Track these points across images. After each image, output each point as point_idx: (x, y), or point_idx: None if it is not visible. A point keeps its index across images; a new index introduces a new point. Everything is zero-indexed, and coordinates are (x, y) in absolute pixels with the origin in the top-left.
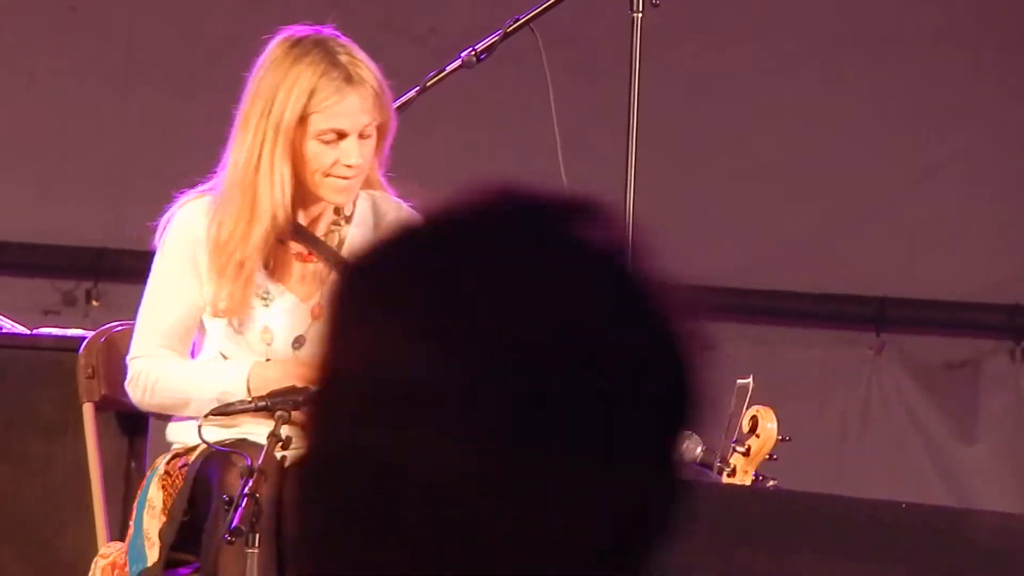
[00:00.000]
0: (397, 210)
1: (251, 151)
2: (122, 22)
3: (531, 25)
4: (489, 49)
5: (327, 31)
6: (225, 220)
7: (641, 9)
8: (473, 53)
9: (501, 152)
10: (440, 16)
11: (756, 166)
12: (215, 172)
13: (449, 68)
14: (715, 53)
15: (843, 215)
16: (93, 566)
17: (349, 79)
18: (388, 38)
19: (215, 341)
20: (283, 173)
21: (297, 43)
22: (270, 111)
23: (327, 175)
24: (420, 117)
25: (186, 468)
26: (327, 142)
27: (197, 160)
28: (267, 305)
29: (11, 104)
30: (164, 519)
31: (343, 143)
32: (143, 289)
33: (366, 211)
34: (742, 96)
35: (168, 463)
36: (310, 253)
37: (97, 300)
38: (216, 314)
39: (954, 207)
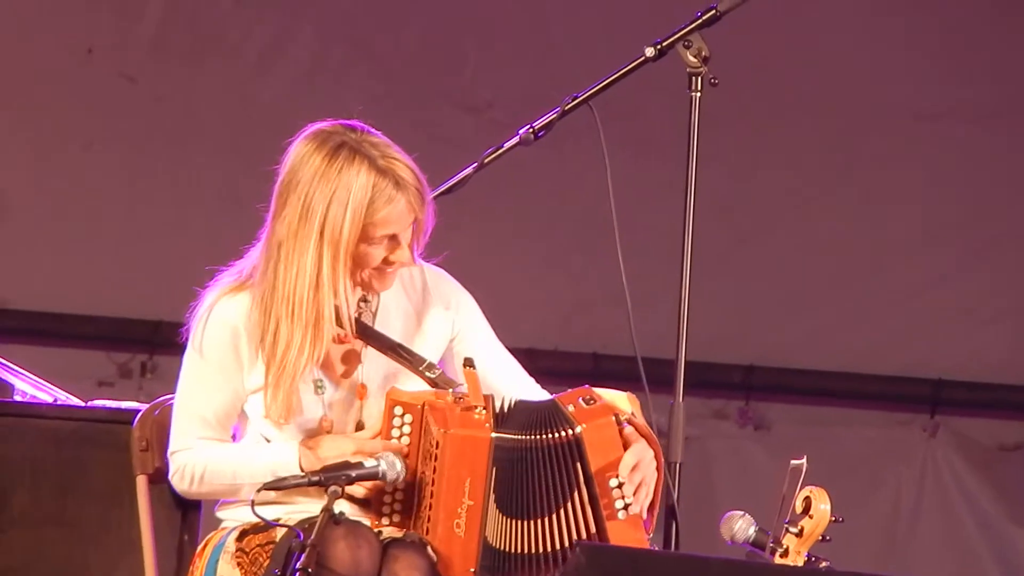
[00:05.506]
0: (421, 271)
1: (312, 270)
2: (179, 95)
3: (590, 103)
4: (547, 126)
5: (357, 126)
6: (282, 333)
7: (700, 88)
8: (531, 130)
9: (558, 226)
10: (498, 89)
11: (814, 242)
12: (244, 256)
13: (507, 145)
14: (769, 129)
15: (896, 295)
16: None
17: (396, 185)
18: (447, 110)
19: (258, 425)
20: (346, 286)
21: (336, 150)
22: (324, 228)
23: (376, 269)
24: (478, 191)
25: (270, 547)
26: (378, 243)
27: (254, 234)
28: (321, 394)
29: (68, 175)
30: None
31: (393, 243)
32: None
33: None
34: (797, 172)
35: (240, 541)
36: (345, 336)
37: (152, 372)
38: (270, 418)
39: (1008, 286)
